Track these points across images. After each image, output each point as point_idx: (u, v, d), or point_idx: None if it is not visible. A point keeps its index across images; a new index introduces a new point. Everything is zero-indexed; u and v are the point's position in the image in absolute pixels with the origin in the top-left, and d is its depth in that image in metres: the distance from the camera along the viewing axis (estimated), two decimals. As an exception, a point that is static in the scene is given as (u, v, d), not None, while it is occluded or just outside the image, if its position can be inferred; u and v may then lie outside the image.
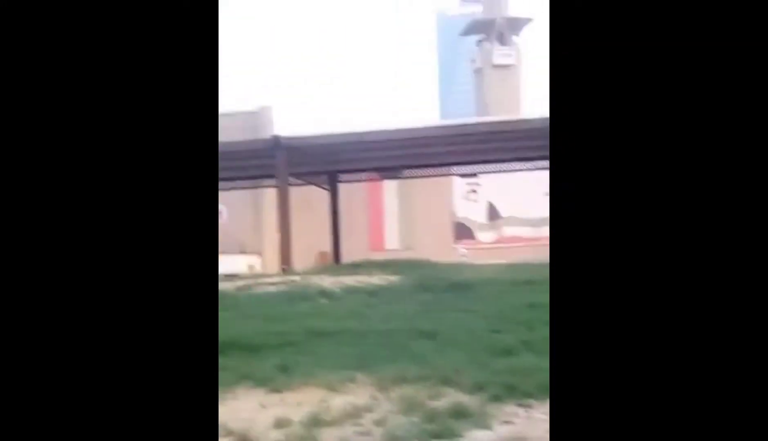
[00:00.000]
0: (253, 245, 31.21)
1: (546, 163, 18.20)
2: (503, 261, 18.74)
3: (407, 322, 9.29)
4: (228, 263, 26.75)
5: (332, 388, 6.24)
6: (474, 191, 33.99)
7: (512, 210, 33.98)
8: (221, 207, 31.29)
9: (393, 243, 33.55)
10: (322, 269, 17.15)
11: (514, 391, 5.86)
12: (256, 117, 31.74)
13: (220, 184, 23.78)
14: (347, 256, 22.78)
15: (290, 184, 20.40)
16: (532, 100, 77.47)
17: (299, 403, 5.91)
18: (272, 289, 13.04)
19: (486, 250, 30.77)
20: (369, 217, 33.91)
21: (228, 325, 9.31)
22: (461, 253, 30.16)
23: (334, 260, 22.99)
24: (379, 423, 5.33)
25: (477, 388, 6.02)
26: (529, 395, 5.76)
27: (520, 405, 5.66)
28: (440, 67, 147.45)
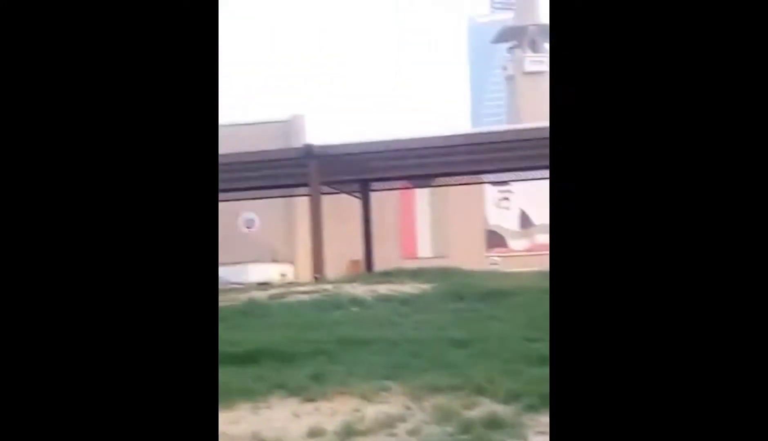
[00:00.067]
0: (285, 254, 31.35)
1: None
2: (536, 269, 18.58)
3: (440, 330, 9.26)
4: (260, 272, 26.97)
5: (366, 397, 6.23)
6: (506, 199, 33.76)
7: (545, 218, 33.65)
8: (254, 215, 31.63)
9: (425, 251, 33.41)
10: (354, 278, 17.14)
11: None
12: (288, 126, 31.93)
13: (253, 193, 24.22)
14: (379, 264, 22.78)
15: (322, 193, 20.49)
16: (564, 106, 76.91)
17: (333, 412, 5.91)
18: (305, 297, 13.05)
19: (519, 258, 30.51)
20: (401, 225, 33.84)
21: (260, 334, 9.38)
22: (493, 261, 29.98)
23: (366, 268, 23.00)
24: (412, 433, 5.31)
25: (511, 397, 5.96)
26: (564, 405, 5.69)
27: (555, 415, 5.60)
28: (471, 74, 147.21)
